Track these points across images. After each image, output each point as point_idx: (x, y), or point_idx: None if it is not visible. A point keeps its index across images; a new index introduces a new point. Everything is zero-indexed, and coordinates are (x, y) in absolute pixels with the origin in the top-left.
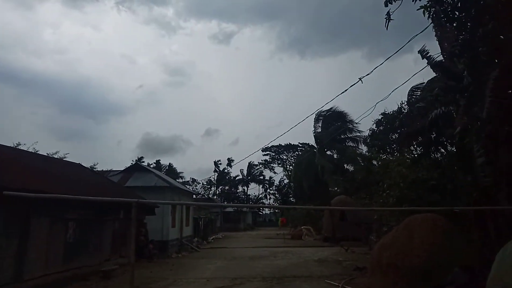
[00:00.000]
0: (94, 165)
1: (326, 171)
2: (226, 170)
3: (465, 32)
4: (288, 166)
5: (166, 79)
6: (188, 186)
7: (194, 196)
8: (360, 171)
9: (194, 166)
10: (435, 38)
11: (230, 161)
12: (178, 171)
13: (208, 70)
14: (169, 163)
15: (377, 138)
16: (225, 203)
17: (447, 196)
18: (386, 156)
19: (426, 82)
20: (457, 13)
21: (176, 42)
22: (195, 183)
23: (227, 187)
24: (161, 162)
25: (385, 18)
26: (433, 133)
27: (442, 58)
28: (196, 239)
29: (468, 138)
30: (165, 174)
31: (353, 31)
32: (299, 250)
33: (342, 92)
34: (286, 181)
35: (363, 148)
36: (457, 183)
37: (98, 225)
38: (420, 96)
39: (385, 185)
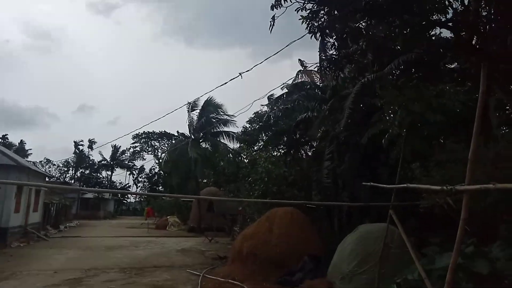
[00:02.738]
0: None
1: (198, 163)
2: (87, 153)
3: (336, 49)
4: (160, 154)
5: (28, 42)
6: (40, 167)
7: (47, 179)
8: (231, 165)
9: (58, 144)
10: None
11: (91, 143)
12: (33, 148)
13: (82, 40)
14: (21, 140)
15: (249, 134)
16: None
17: (303, 191)
18: (256, 152)
19: (290, 85)
20: (327, 31)
21: (46, 1)
22: (50, 164)
23: (88, 171)
24: (10, 138)
25: (270, 21)
26: (297, 134)
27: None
28: (47, 226)
29: (323, 142)
30: (14, 153)
31: (240, 29)
32: (163, 240)
33: (222, 85)
34: (157, 169)
35: (236, 143)
36: (311, 180)
37: None
38: (287, 100)
39: (251, 179)
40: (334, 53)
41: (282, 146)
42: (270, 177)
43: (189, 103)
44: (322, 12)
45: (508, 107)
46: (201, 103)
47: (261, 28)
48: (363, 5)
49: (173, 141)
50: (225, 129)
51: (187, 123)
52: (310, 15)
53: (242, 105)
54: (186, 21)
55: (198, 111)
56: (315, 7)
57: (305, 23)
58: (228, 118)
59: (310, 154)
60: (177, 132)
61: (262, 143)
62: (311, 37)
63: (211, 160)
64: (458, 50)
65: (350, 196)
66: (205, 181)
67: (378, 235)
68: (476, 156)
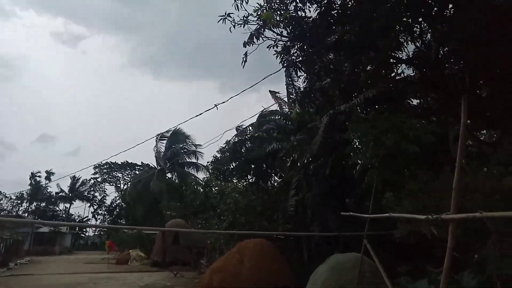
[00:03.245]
0: None
1: (164, 194)
2: (44, 184)
3: (308, 82)
4: (123, 186)
5: None
6: None
7: None
8: (199, 196)
9: (12, 176)
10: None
11: (49, 174)
12: None
13: (45, 69)
14: None
15: (219, 164)
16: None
17: (272, 222)
18: (225, 183)
19: (260, 116)
20: (299, 65)
21: (8, 30)
22: (2, 196)
23: (44, 204)
24: None
25: (243, 57)
26: (266, 164)
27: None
28: None
29: (291, 172)
30: None
31: (208, 62)
32: (124, 276)
33: (197, 116)
34: (118, 201)
35: (204, 174)
36: (279, 211)
37: None
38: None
39: (219, 210)
40: (306, 86)
41: (250, 176)
42: (238, 207)
43: (158, 134)
44: (295, 48)
45: (468, 140)
46: (168, 133)
47: (229, 62)
48: (333, 42)
49: (137, 172)
50: (193, 160)
51: (155, 154)
52: (284, 50)
53: (211, 136)
54: (154, 52)
55: (165, 141)
56: (288, 43)
57: (279, 57)
58: (196, 149)
59: (277, 184)
60: (141, 162)
61: (231, 173)
62: (285, 71)
63: (178, 191)
64: (421, 86)
65: (320, 226)
66: (171, 213)
67: (350, 265)
68: (460, 186)
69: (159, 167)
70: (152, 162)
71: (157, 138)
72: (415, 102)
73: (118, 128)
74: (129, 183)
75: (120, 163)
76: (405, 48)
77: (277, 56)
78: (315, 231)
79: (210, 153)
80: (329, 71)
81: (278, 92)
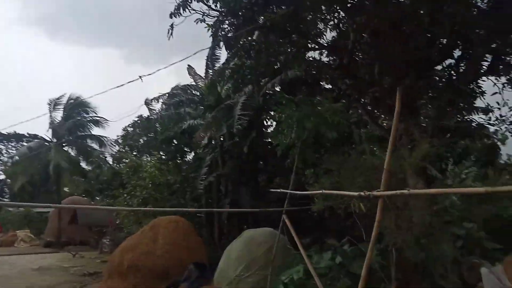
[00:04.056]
0: None
1: (63, 170)
2: None
3: (238, 59)
4: (7, 159)
5: None
6: None
7: None
8: (105, 172)
9: None
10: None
11: None
12: None
13: None
14: None
15: (131, 139)
16: None
17: (186, 199)
18: (140, 159)
19: (175, 88)
20: (231, 41)
21: None
22: None
23: None
24: None
25: (168, 29)
26: (183, 140)
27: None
28: None
29: (207, 149)
30: None
31: (114, 30)
32: (12, 259)
33: (118, 87)
34: (2, 177)
35: (111, 149)
36: (193, 187)
37: None
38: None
39: (131, 187)
40: (236, 62)
41: (166, 153)
42: (155, 183)
43: (52, 101)
44: (226, 23)
45: (368, 126)
46: (64, 101)
47: (136, 31)
48: (266, 22)
49: (24, 143)
50: (96, 129)
51: (49, 124)
52: (215, 24)
53: (114, 110)
54: (49, 11)
55: (62, 110)
56: (220, 18)
57: (211, 31)
58: (100, 118)
59: (194, 161)
60: (27, 133)
61: (145, 148)
62: (215, 45)
63: (80, 167)
64: (338, 72)
65: (232, 202)
66: (70, 190)
67: (262, 239)
68: (389, 166)
69: (54, 139)
70: (43, 133)
71: (51, 105)
72: (328, 87)
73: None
74: (16, 157)
75: (5, 133)
76: (325, 36)
77: (208, 29)
78: (226, 207)
79: (117, 128)
80: (259, 50)
81: (193, 68)
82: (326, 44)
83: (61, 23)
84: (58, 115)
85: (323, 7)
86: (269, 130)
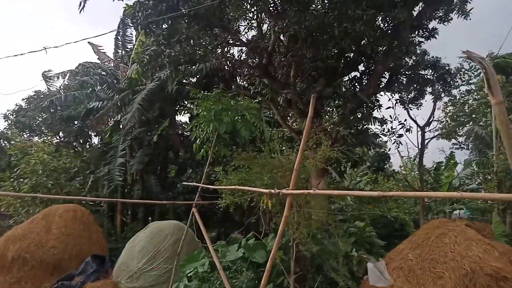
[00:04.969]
0: None
1: None
2: None
3: (157, 46)
4: None
5: None
6: None
7: None
8: None
9: None
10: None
11: None
12: None
13: None
14: None
15: (24, 116)
16: None
17: (87, 186)
18: (30, 140)
19: (78, 66)
20: (152, 26)
21: None
22: None
23: None
24: None
25: (81, 2)
26: (85, 123)
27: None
28: None
29: (114, 135)
30: None
31: None
32: None
33: (16, 55)
34: None
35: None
36: (99, 175)
37: None
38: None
39: (19, 171)
40: (155, 49)
41: (66, 134)
42: (46, 169)
43: None
44: (149, 5)
45: (279, 127)
46: None
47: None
48: (191, 12)
49: None
50: None
51: None
52: (138, 5)
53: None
54: None
55: None
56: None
57: (133, 12)
58: None
59: (98, 147)
60: None
61: (40, 127)
62: (135, 28)
63: None
64: (255, 71)
65: (139, 192)
66: None
67: (168, 231)
68: (298, 166)
69: None
70: None
71: None
72: (244, 84)
73: None
74: None
75: None
76: (247, 34)
77: (127, 10)
78: (135, 198)
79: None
80: (181, 39)
81: (100, 46)
82: (246, 42)
83: None
84: None
85: (247, 6)
86: (182, 121)
